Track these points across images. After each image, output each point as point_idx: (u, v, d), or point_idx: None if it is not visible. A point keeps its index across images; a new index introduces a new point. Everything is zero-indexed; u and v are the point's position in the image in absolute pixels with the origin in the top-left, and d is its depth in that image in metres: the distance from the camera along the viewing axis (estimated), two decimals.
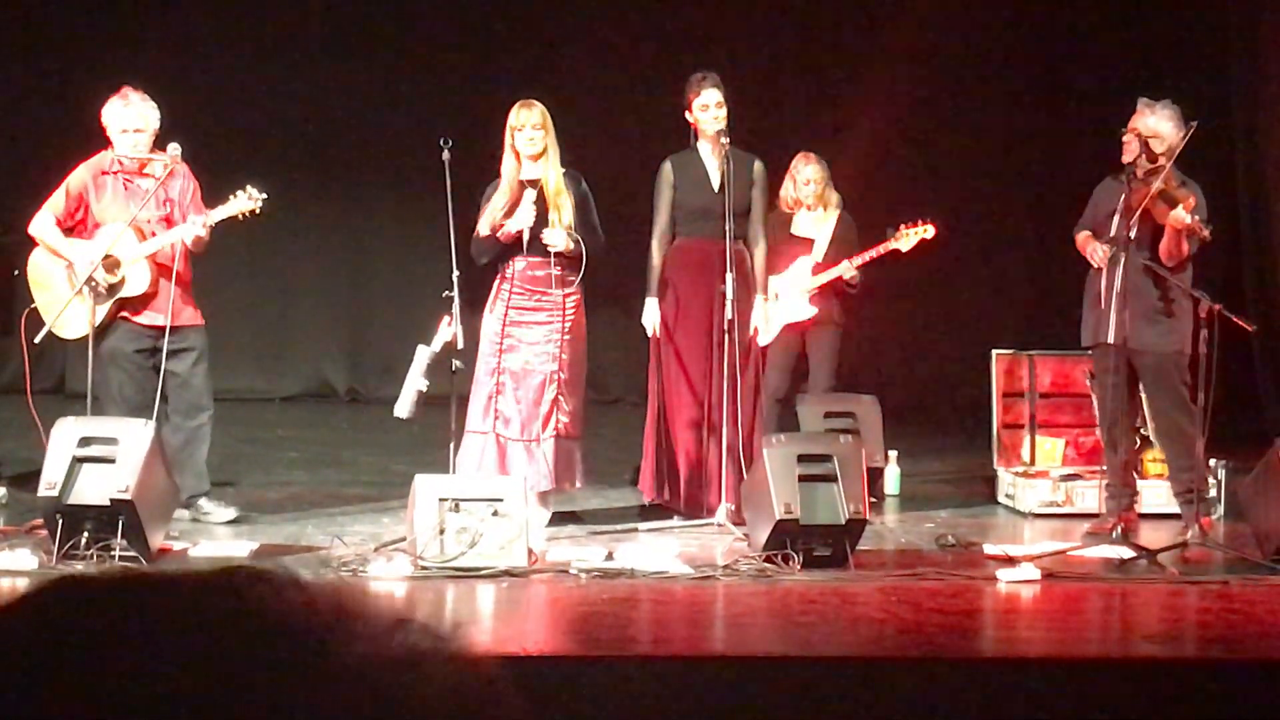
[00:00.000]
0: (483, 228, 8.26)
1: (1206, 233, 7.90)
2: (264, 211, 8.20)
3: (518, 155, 8.23)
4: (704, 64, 8.71)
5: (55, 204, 8.15)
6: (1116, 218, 8.00)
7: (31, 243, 8.26)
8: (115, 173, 8.14)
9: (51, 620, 1.05)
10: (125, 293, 8.06)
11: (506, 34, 13.90)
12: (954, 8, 14.08)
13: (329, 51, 13.79)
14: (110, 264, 8.02)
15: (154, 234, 8.13)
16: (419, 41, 13.89)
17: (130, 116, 8.12)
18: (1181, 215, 7.79)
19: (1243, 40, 13.55)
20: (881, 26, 14.17)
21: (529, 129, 8.18)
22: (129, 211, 8.07)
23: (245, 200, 8.12)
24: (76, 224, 8.11)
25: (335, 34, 13.81)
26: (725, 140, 8.43)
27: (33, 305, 8.14)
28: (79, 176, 8.17)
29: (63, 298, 8.00)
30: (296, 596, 1.07)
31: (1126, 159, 8.06)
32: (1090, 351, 8.47)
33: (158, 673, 1.01)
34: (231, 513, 8.32)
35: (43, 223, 8.14)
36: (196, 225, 8.06)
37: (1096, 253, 8.16)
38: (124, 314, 8.09)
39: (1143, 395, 8.49)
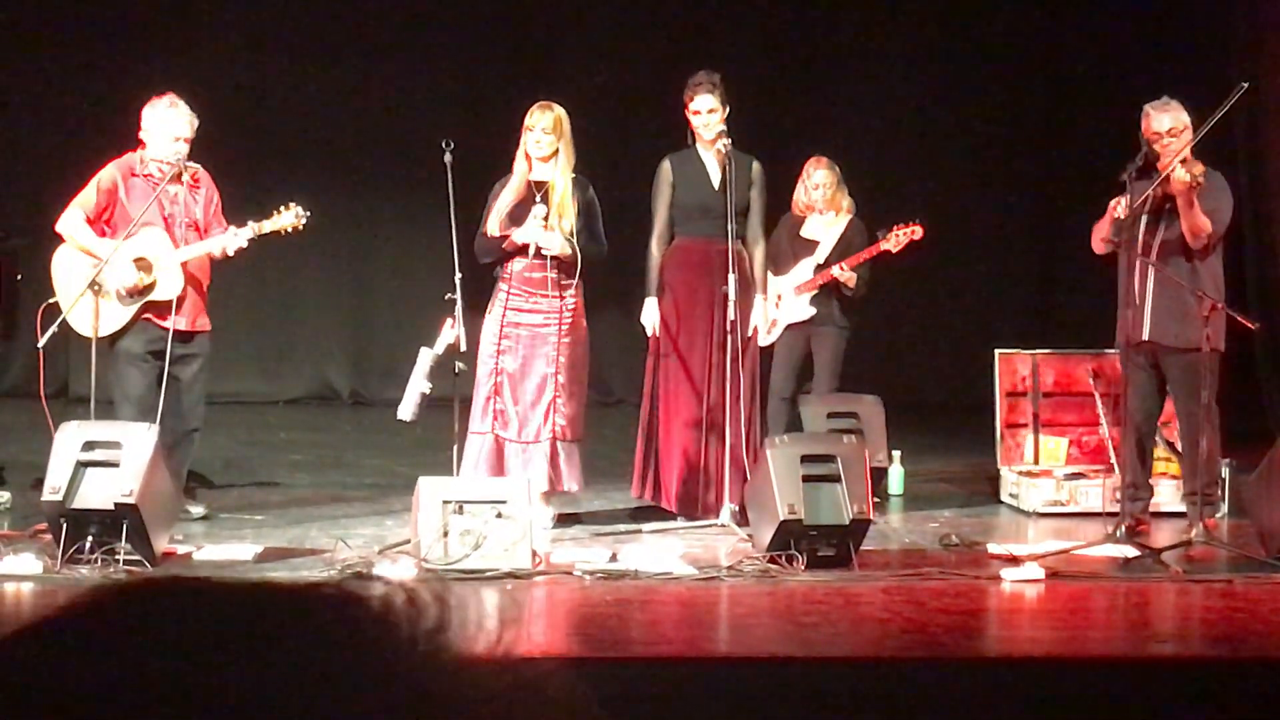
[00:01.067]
0: (491, 226, 8.26)
1: (1202, 180, 7.81)
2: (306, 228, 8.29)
3: (528, 156, 8.24)
4: (706, 64, 8.69)
5: (85, 201, 8.14)
6: (1144, 217, 7.97)
7: (58, 239, 8.25)
8: (145, 175, 8.14)
9: (156, 618, 1.06)
10: (156, 296, 8.08)
11: (509, 36, 13.90)
12: (959, 10, 14.09)
13: (332, 54, 13.79)
14: (144, 266, 8.05)
15: (187, 240, 8.17)
16: (422, 44, 13.89)
17: (180, 124, 8.16)
18: (1181, 175, 7.77)
19: (1244, 37, 13.54)
20: (884, 26, 14.17)
21: (539, 131, 8.18)
22: (160, 215, 8.12)
23: (290, 216, 8.21)
24: (104, 223, 8.11)
25: (338, 37, 13.81)
26: (726, 143, 8.43)
27: (52, 301, 8.09)
28: (110, 174, 8.17)
29: (88, 298, 7.98)
30: (404, 604, 1.08)
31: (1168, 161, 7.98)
32: (1119, 350, 8.39)
33: (270, 681, 1.02)
34: (200, 509, 8.36)
35: (73, 220, 8.12)
36: (241, 237, 8.12)
37: (1118, 209, 8.08)
38: (147, 316, 8.10)
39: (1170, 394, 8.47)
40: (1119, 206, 8.05)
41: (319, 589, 1.08)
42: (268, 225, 8.22)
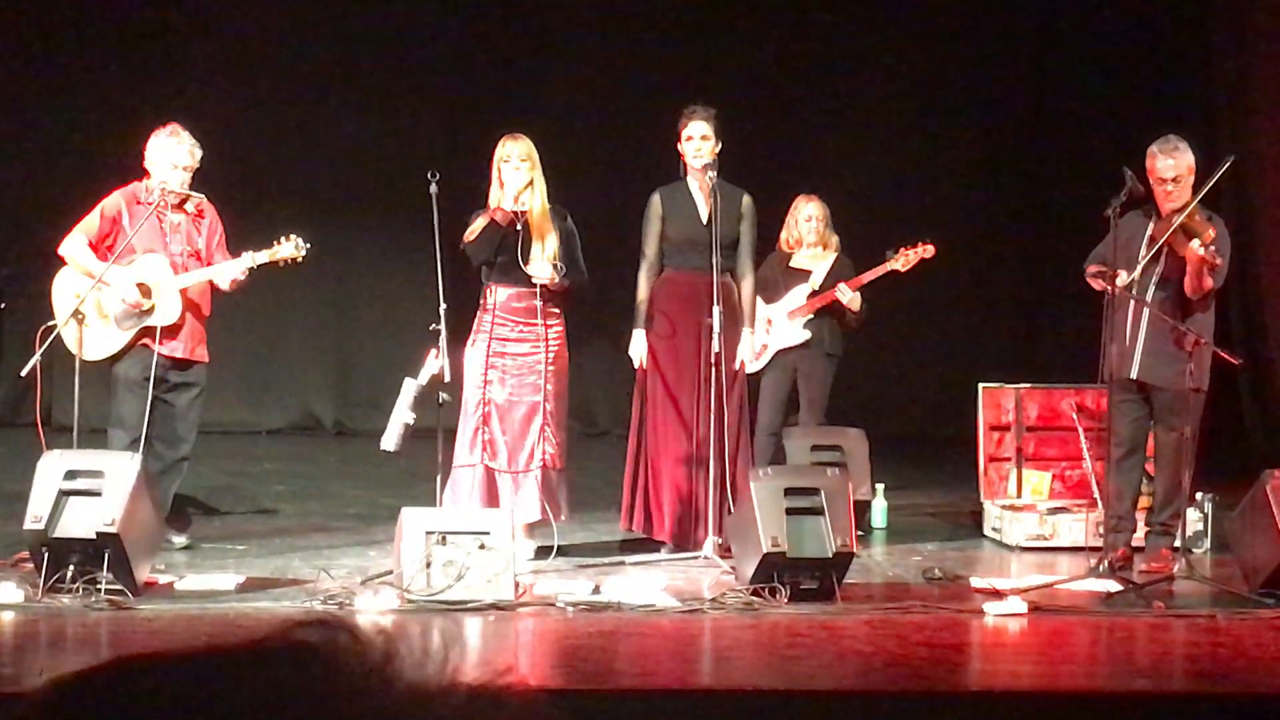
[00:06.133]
0: (469, 235, 8.24)
1: (1219, 261, 7.92)
2: (306, 259, 8.31)
3: (503, 186, 8.24)
4: (694, 98, 8.71)
5: (89, 226, 8.17)
6: (1142, 253, 8.00)
7: (51, 266, 8.27)
8: (149, 204, 8.15)
9: (110, 705, 1.05)
10: (153, 321, 8.10)
11: (493, 68, 13.93)
12: (944, 46, 14.14)
13: (316, 86, 13.82)
14: (144, 290, 8.07)
15: (187, 269, 8.19)
16: (406, 75, 13.92)
17: (183, 153, 8.22)
18: (1195, 247, 7.81)
19: (1230, 75, 13.60)
20: (871, 65, 14.22)
21: (515, 160, 8.20)
22: (161, 243, 8.16)
23: (290, 248, 8.24)
24: (105, 249, 8.12)
25: (322, 69, 13.83)
26: (712, 175, 8.44)
27: (50, 324, 8.07)
28: (114, 202, 8.21)
29: (87, 321, 7.98)
30: (348, 643, 1.08)
31: (1173, 205, 8.02)
32: (1107, 384, 8.40)
33: None
34: (183, 539, 8.36)
35: (75, 244, 8.15)
36: (239, 267, 8.15)
37: (1119, 277, 8.11)
38: (144, 341, 8.11)
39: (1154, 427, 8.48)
40: (1119, 278, 8.05)
41: (264, 645, 1.08)
42: (265, 256, 8.25)
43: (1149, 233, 8.06)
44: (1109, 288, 8.09)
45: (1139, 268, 8.04)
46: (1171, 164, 8.05)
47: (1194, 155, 8.12)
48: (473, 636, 6.67)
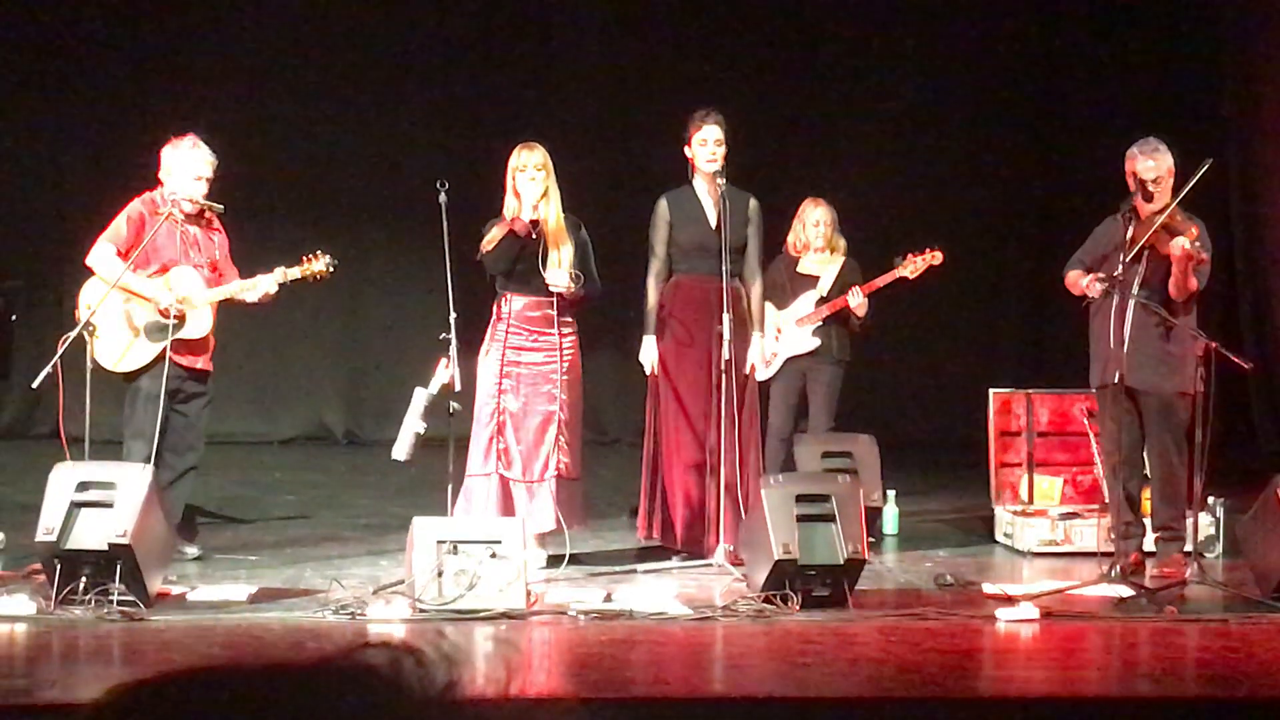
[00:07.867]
0: (487, 245, 8.24)
1: (1205, 256, 7.92)
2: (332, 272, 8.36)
3: (519, 195, 8.24)
4: (701, 105, 8.71)
5: (116, 234, 8.12)
6: (1121, 256, 7.98)
7: (88, 273, 8.17)
8: (165, 214, 8.14)
9: (175, 712, 1.05)
10: (184, 334, 8.09)
11: (502, 75, 13.94)
12: (951, 53, 14.14)
13: (325, 95, 13.83)
14: (183, 302, 8.06)
15: (206, 280, 8.18)
16: (415, 84, 13.94)
17: (202, 164, 8.24)
18: (1182, 242, 7.81)
19: (1237, 77, 13.59)
20: (879, 69, 14.22)
21: (531, 169, 8.19)
22: (184, 254, 8.16)
23: (321, 265, 8.29)
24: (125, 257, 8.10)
25: (332, 77, 13.84)
26: (721, 180, 8.45)
27: (68, 333, 8.02)
28: (136, 209, 8.19)
29: (115, 333, 7.97)
30: (413, 666, 1.08)
31: (1154, 207, 8.02)
32: (1096, 391, 8.43)
33: None
34: (195, 550, 8.37)
35: (105, 254, 8.07)
36: (271, 282, 8.19)
37: (1094, 286, 8.15)
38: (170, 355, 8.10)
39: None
40: (1094, 284, 8.10)
41: (330, 665, 1.08)
42: (297, 271, 8.28)
43: (1129, 235, 8.03)
44: (1098, 289, 8.10)
45: (1120, 270, 8.01)
46: (1152, 165, 8.06)
47: (1175, 158, 8.12)
48: (497, 653, 6.67)
